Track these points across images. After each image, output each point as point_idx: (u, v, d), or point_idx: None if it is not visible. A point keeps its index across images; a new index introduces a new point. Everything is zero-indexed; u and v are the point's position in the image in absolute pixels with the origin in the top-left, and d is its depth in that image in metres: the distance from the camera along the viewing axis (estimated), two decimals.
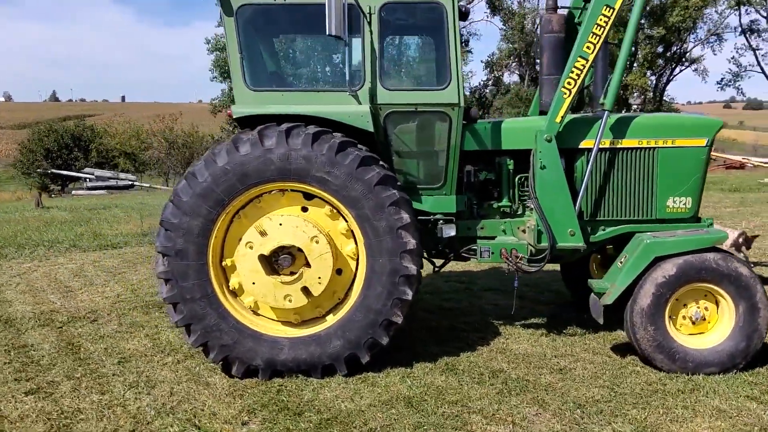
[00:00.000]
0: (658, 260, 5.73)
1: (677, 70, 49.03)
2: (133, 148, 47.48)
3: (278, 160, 5.53)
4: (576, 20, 7.15)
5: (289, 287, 5.68)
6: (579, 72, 6.26)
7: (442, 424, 4.85)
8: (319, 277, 5.66)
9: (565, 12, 7.11)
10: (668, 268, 5.69)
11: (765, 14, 47.81)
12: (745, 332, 5.67)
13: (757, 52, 50.36)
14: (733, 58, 52.51)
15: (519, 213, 6.84)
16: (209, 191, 5.57)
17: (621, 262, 5.96)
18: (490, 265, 10.11)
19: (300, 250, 5.68)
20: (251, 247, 5.66)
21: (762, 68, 49.59)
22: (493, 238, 6.71)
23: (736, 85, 52.55)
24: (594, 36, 6.22)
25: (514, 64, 46.11)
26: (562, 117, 6.29)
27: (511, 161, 6.73)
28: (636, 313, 5.73)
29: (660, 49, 45.27)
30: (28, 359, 6.42)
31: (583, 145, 6.50)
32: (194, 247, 5.63)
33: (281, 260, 5.68)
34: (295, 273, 5.70)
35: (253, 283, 5.69)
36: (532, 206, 6.36)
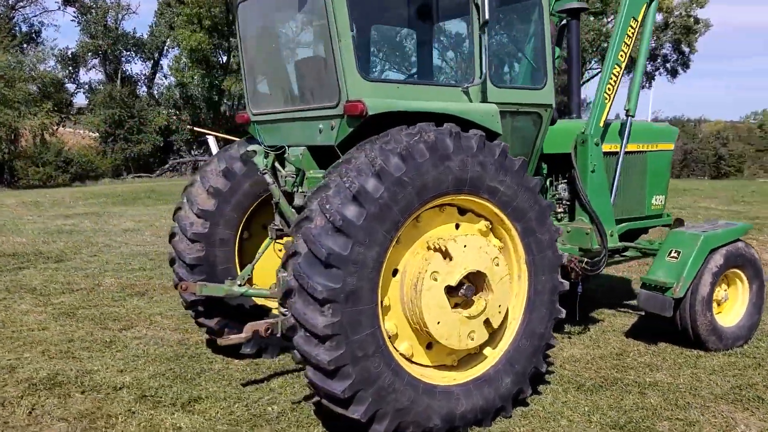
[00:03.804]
0: (711, 252, 6.39)
1: None
2: None
3: (457, 169, 4.46)
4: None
5: (474, 322, 4.65)
6: (615, 78, 6.56)
7: None
8: (500, 305, 4.77)
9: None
10: (718, 259, 6.39)
11: None
12: (758, 306, 6.74)
13: None
14: None
15: None
16: (386, 210, 4.19)
17: (673, 257, 6.42)
18: None
19: (467, 276, 4.69)
20: (436, 279, 4.45)
21: None
22: None
23: None
24: (626, 45, 6.58)
25: (96, 60, 40.64)
26: (604, 121, 6.50)
27: (545, 165, 6.64)
28: (698, 302, 6.28)
29: None
30: None
31: (604, 149, 6.79)
32: (368, 285, 4.18)
33: (466, 290, 4.60)
34: (459, 305, 4.70)
35: (438, 323, 4.49)
36: (586, 208, 6.38)
